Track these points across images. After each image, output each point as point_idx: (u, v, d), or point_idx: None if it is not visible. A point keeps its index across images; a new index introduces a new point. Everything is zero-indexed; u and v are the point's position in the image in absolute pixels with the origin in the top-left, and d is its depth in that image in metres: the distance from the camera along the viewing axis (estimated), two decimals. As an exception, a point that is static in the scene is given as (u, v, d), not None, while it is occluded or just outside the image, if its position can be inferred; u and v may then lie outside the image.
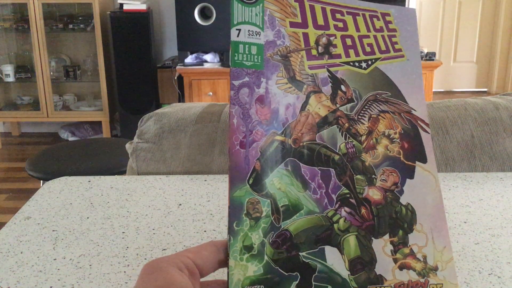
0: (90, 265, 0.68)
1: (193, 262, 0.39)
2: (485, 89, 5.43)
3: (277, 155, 0.41)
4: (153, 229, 0.78)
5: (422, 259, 0.41)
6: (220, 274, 0.43)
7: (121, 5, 3.93)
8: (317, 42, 0.44)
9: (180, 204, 0.86)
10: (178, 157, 1.06)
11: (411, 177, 0.43)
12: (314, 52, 0.44)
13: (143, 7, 3.92)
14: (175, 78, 3.91)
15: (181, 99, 3.97)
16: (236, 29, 0.42)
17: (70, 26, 4.07)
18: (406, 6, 4.23)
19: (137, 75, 3.98)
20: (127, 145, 1.13)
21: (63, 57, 4.27)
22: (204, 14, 3.79)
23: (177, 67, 3.80)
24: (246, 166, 0.40)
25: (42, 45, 3.98)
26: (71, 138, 4.21)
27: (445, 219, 0.43)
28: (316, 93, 0.43)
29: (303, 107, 0.43)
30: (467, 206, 0.83)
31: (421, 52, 3.72)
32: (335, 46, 0.44)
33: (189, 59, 3.85)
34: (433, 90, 3.96)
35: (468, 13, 5.26)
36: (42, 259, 0.70)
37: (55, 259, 0.70)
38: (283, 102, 0.42)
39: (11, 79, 4.16)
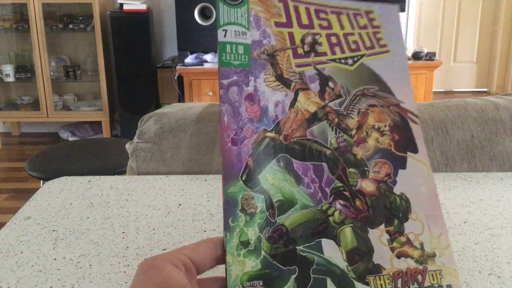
0: (90, 265, 0.68)
1: (190, 259, 0.39)
2: (485, 89, 5.43)
3: (268, 152, 0.42)
4: (153, 229, 0.78)
5: (419, 247, 0.42)
6: (218, 272, 0.43)
7: (121, 5, 3.93)
8: (302, 41, 0.45)
9: (180, 204, 0.86)
10: (178, 157, 1.06)
11: (404, 167, 0.43)
12: (300, 50, 0.45)
13: (143, 7, 3.92)
14: (175, 78, 3.91)
15: (181, 99, 3.97)
16: (223, 30, 0.43)
17: (70, 26, 4.07)
18: (406, 7, 4.24)
19: (137, 75, 3.98)
20: (127, 145, 1.13)
21: (63, 57, 4.27)
22: (204, 14, 3.79)
23: (177, 67, 3.80)
24: (239, 163, 0.41)
25: (42, 45, 3.98)
26: (71, 138, 4.21)
27: (440, 207, 0.43)
28: (304, 90, 0.44)
29: (292, 104, 0.44)
30: (467, 206, 0.83)
31: (421, 52, 3.72)
32: (320, 44, 0.45)
33: (189, 59, 3.85)
34: (433, 90, 3.96)
35: (468, 13, 5.26)
36: (42, 259, 0.70)
37: (55, 259, 0.70)
38: (272, 99, 0.43)
39: (11, 79, 4.16)
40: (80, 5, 4.08)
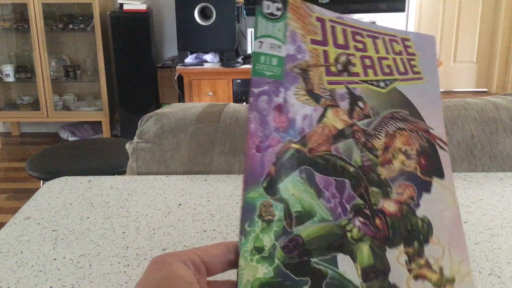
0: (90, 265, 0.68)
1: (201, 259, 0.39)
2: (485, 89, 5.43)
3: (292, 162, 0.42)
4: (153, 229, 0.78)
5: (438, 271, 0.41)
6: (228, 277, 0.43)
7: (121, 5, 3.93)
8: (336, 60, 0.45)
9: (180, 204, 0.86)
10: (178, 157, 1.06)
11: (428, 191, 0.43)
12: (333, 69, 0.45)
13: (143, 7, 3.92)
14: (175, 78, 3.91)
15: (181, 99, 3.97)
16: (259, 41, 0.44)
17: (70, 26, 4.07)
18: (406, 7, 4.24)
19: (137, 75, 3.98)
20: (127, 145, 1.13)
21: (63, 57, 4.27)
22: (204, 14, 3.79)
23: (177, 67, 3.80)
24: (261, 170, 0.41)
25: (42, 45, 3.98)
26: (71, 138, 4.21)
27: (463, 235, 0.42)
28: (333, 107, 0.44)
29: (320, 119, 0.44)
30: (467, 206, 0.83)
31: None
32: (354, 65, 0.45)
33: (189, 59, 3.85)
34: (433, 90, 3.96)
35: (468, 13, 5.26)
36: (42, 259, 0.70)
37: (55, 259, 0.70)
38: (301, 112, 0.43)
39: (11, 79, 4.16)
40: (80, 5, 4.08)
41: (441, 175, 0.44)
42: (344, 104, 0.44)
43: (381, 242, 0.41)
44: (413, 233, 0.42)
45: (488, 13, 5.25)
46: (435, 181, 0.43)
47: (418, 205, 0.43)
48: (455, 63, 5.40)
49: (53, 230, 0.78)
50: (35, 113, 4.15)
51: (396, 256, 0.41)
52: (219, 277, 0.41)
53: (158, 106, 4.08)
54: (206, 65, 3.80)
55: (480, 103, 1.08)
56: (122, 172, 2.08)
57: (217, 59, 3.86)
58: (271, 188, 0.41)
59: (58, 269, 0.67)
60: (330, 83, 0.45)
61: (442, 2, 5.27)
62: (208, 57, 3.85)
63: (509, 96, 1.12)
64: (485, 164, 1.02)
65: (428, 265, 0.41)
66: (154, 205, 0.86)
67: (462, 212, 0.81)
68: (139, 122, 1.12)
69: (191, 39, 3.81)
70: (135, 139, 1.11)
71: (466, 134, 1.03)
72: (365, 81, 0.45)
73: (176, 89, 3.97)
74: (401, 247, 0.41)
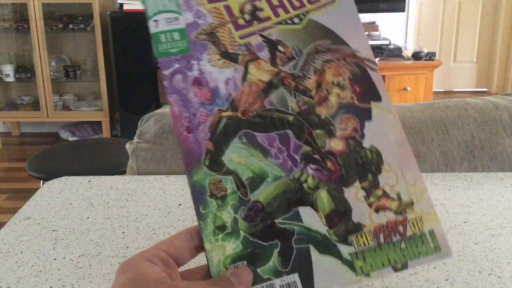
0: (90, 265, 0.68)
1: (166, 252, 0.39)
2: (485, 89, 5.43)
3: (228, 131, 0.41)
4: (153, 229, 0.78)
5: (396, 197, 0.41)
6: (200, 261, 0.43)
7: (121, 5, 3.93)
8: (241, 11, 0.43)
9: (180, 204, 0.86)
10: (178, 157, 1.06)
11: (369, 118, 0.42)
12: (241, 21, 0.43)
13: (143, 7, 3.92)
14: (175, 78, 3.91)
15: (181, 99, 3.96)
16: (154, 21, 0.42)
17: (70, 26, 4.07)
18: (406, 7, 4.23)
19: (137, 75, 3.98)
20: (127, 145, 1.13)
21: (63, 57, 4.27)
22: (204, 14, 3.79)
23: (177, 67, 3.79)
24: (198, 149, 0.41)
25: (42, 45, 3.98)
26: (71, 138, 4.21)
27: (412, 154, 0.42)
28: (254, 61, 0.43)
29: (243, 78, 0.42)
30: (467, 206, 0.83)
31: (421, 52, 3.72)
32: (261, 10, 0.44)
33: (189, 59, 3.85)
34: (433, 90, 3.96)
35: (468, 13, 5.26)
36: (42, 259, 0.70)
37: (55, 259, 0.70)
38: (221, 78, 0.42)
39: (11, 79, 4.16)
40: (80, 5, 4.08)
41: (378, 97, 0.43)
42: (264, 54, 0.43)
43: (337, 183, 0.41)
44: (364, 166, 0.42)
45: (488, 13, 5.25)
46: (374, 106, 0.43)
47: (363, 135, 0.42)
48: (455, 63, 5.40)
49: (53, 230, 0.78)
50: (35, 113, 4.15)
51: (354, 194, 0.41)
52: (191, 264, 0.41)
53: (158, 106, 4.08)
54: (206, 65, 3.79)
55: (480, 103, 1.08)
56: (122, 172, 2.08)
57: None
58: (214, 164, 0.41)
59: (58, 269, 0.67)
60: (242, 37, 0.43)
61: (442, 2, 5.26)
62: (208, 57, 3.85)
63: (509, 96, 1.12)
64: (485, 164, 1.02)
65: (385, 194, 0.41)
66: (154, 205, 0.86)
67: (462, 212, 0.81)
68: (139, 122, 1.12)
69: (191, 39, 3.80)
70: (135, 139, 1.11)
71: (466, 134, 1.03)
72: (278, 23, 0.43)
73: (176, 89, 3.97)
74: (357, 183, 0.41)
